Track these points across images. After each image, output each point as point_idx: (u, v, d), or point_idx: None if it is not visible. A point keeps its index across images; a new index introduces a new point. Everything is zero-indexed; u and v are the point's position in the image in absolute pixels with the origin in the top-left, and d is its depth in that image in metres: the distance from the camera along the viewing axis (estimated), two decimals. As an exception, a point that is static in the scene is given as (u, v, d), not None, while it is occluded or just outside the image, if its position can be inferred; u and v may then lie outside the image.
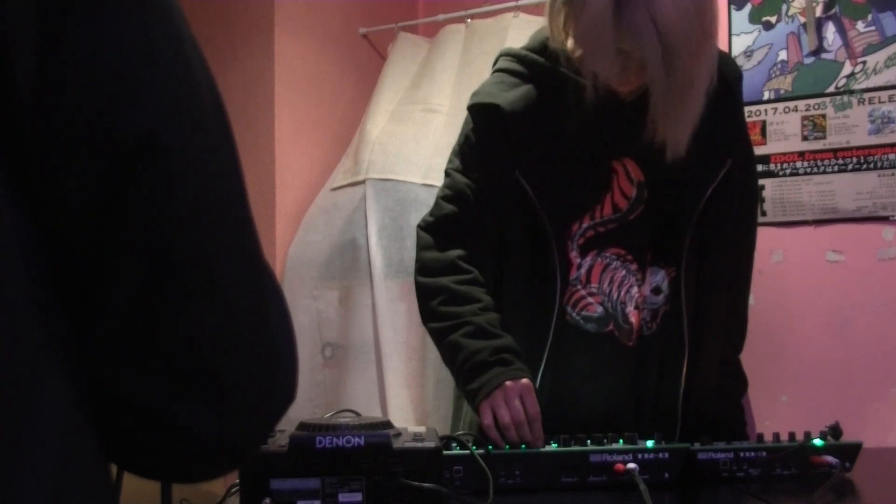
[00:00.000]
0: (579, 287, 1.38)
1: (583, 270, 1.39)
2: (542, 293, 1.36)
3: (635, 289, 1.38)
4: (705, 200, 1.36)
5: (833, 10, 2.39)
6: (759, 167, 2.46)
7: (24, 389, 0.44)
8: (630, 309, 1.38)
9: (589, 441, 1.17)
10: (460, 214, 1.40)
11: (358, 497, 1.00)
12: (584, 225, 1.38)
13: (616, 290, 1.38)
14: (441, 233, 1.41)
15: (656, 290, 1.39)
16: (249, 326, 0.52)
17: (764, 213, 2.46)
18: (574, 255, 1.38)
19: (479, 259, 1.39)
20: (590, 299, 1.39)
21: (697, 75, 1.24)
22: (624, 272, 1.38)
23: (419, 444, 1.02)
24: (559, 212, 1.36)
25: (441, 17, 2.83)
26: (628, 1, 1.18)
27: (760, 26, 2.48)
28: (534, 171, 1.36)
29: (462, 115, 1.48)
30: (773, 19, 2.47)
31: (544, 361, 1.35)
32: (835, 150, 2.38)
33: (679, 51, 1.21)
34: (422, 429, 1.11)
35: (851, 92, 2.36)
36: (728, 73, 1.43)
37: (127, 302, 0.47)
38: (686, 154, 1.32)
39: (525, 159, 1.37)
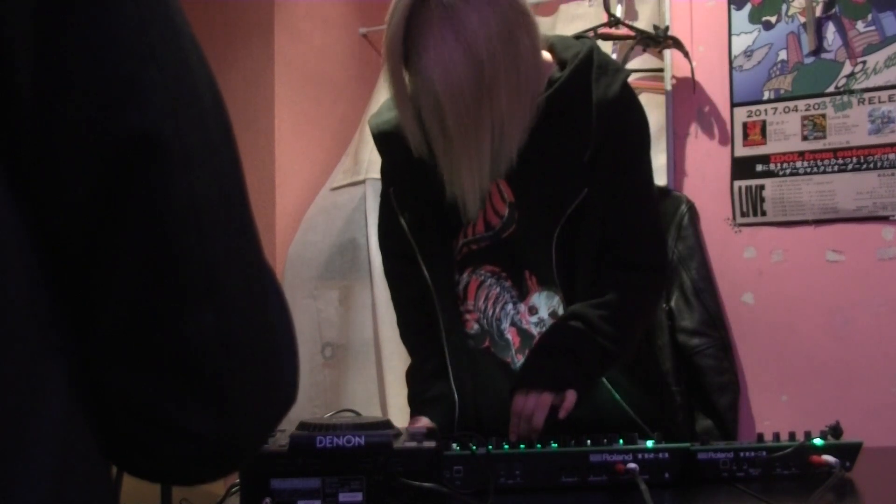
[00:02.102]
0: (458, 303, 1.40)
1: (460, 287, 1.40)
2: (434, 310, 1.41)
3: (510, 306, 1.38)
4: (560, 227, 1.32)
5: (833, 10, 2.39)
6: (759, 167, 2.46)
7: (24, 390, 0.44)
8: (506, 325, 1.38)
9: (589, 441, 1.17)
10: (383, 229, 1.51)
11: (358, 497, 1.00)
12: (460, 242, 1.39)
13: (491, 307, 1.38)
14: (386, 254, 1.52)
15: (553, 314, 1.38)
16: (249, 326, 0.52)
17: (764, 213, 2.46)
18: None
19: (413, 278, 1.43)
20: (467, 316, 1.41)
21: (480, 130, 1.22)
22: (499, 289, 1.38)
23: (419, 444, 1.02)
24: (428, 229, 1.38)
25: (441, 16, 2.83)
26: (412, 61, 1.22)
27: (760, 26, 2.48)
28: (403, 190, 1.41)
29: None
30: (773, 19, 2.47)
31: (451, 373, 1.41)
32: (835, 150, 2.38)
33: (447, 110, 1.20)
34: (422, 429, 1.11)
35: (851, 92, 2.36)
36: (599, 96, 1.32)
37: (126, 302, 0.47)
38: (548, 182, 1.31)
39: (396, 178, 1.43)
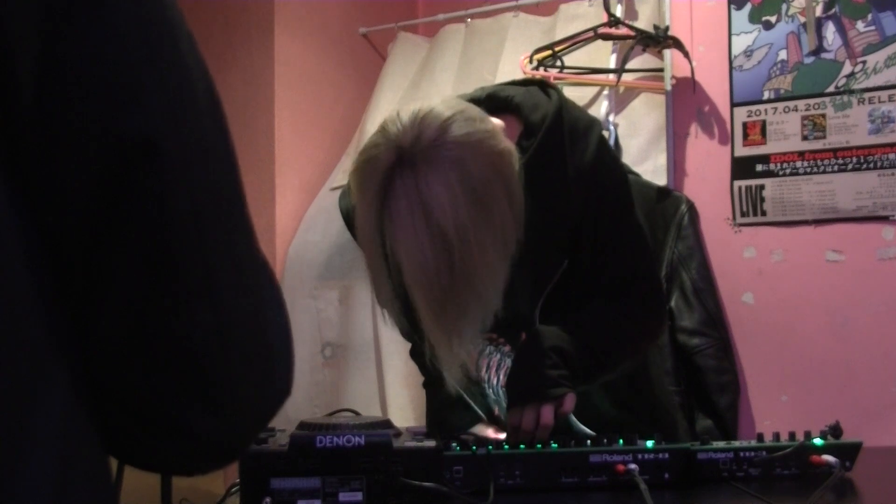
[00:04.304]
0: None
1: None
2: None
3: None
4: (543, 298, 1.30)
5: (833, 10, 2.39)
6: (759, 167, 2.46)
7: (26, 388, 0.44)
8: None
9: (589, 441, 1.17)
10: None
11: (358, 496, 1.00)
12: None
13: (494, 376, 1.34)
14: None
15: None
16: (246, 325, 0.52)
17: (764, 213, 2.46)
18: None
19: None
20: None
21: (459, 313, 1.12)
22: (499, 356, 1.35)
23: (419, 444, 1.02)
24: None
25: (441, 16, 2.83)
26: (386, 242, 1.11)
27: (760, 26, 2.48)
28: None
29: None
30: (772, 19, 2.47)
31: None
32: (835, 150, 2.38)
33: (420, 297, 1.11)
34: (422, 428, 1.11)
35: (851, 92, 2.36)
36: (575, 165, 1.28)
37: (125, 302, 0.48)
38: (529, 255, 1.22)
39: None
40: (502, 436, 1.32)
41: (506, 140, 1.16)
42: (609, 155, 1.36)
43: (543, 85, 1.35)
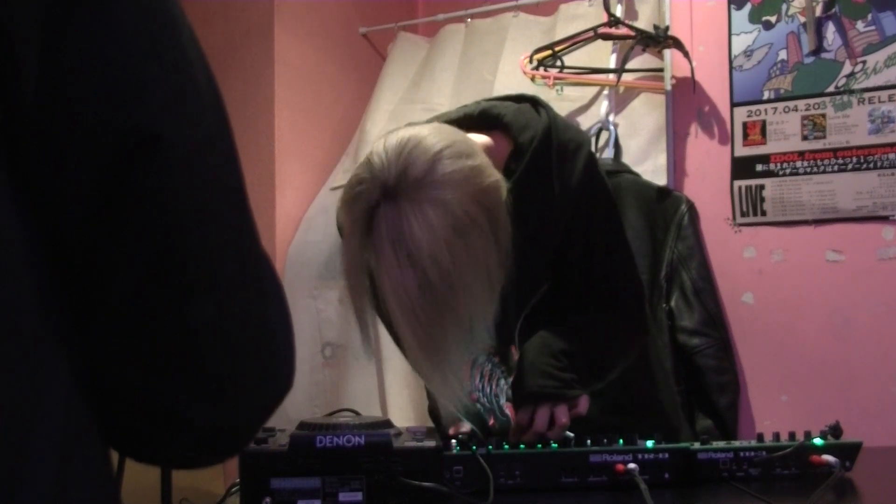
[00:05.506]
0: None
1: None
2: None
3: (503, 381, 1.36)
4: (524, 315, 1.31)
5: (833, 10, 2.39)
6: (759, 167, 2.46)
7: (27, 383, 0.44)
8: (503, 401, 1.36)
9: (589, 441, 1.17)
10: None
11: (358, 496, 1.00)
12: None
13: (488, 384, 1.36)
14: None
15: None
16: (248, 319, 0.53)
17: (764, 213, 2.46)
18: None
19: None
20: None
21: (446, 348, 1.10)
22: (490, 366, 1.36)
23: (419, 444, 1.02)
24: None
25: (441, 16, 2.83)
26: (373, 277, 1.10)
27: (760, 26, 2.48)
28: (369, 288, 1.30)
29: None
30: (772, 19, 2.47)
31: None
32: (835, 150, 2.38)
33: (407, 336, 1.09)
34: (422, 428, 1.11)
35: (851, 91, 2.36)
36: (561, 186, 1.28)
37: (128, 295, 0.48)
38: (510, 275, 1.19)
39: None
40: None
41: (493, 172, 1.14)
42: (597, 176, 1.36)
43: (535, 102, 1.35)
